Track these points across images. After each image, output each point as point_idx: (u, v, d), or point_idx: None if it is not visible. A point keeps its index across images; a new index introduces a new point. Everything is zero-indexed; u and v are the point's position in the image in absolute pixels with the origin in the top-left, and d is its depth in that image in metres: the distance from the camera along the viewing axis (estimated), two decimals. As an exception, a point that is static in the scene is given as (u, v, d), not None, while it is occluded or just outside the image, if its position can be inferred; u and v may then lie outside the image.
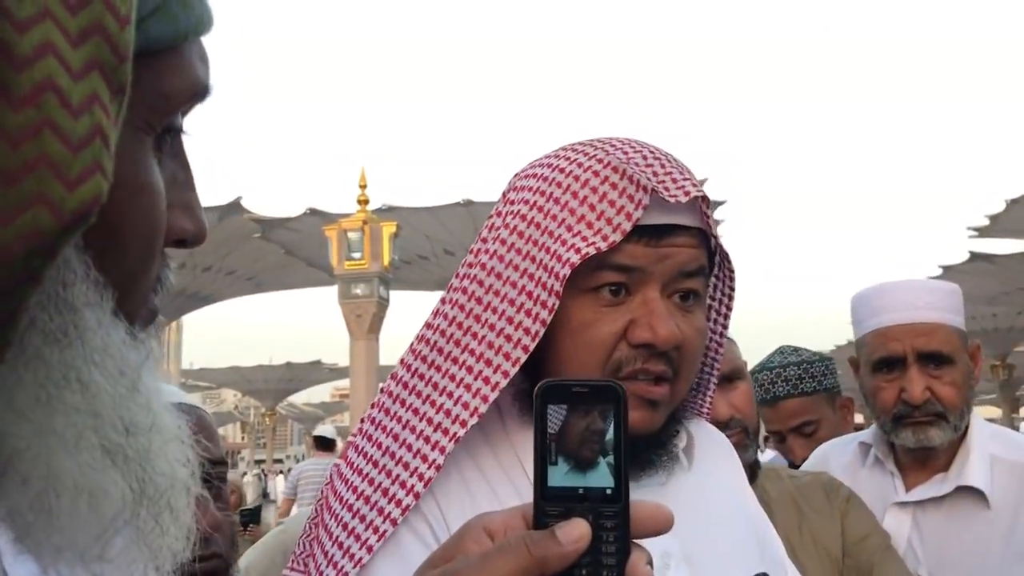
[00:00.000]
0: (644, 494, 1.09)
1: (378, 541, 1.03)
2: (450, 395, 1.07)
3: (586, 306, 1.06)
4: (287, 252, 42.14)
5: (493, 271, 1.09)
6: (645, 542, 1.05)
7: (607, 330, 1.05)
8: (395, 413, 1.10)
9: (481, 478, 1.09)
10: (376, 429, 1.10)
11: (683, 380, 1.10)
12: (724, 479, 1.25)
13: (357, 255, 19.04)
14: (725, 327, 1.25)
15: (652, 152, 1.10)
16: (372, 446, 1.10)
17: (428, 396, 1.08)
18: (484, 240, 1.13)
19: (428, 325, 1.13)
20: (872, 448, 2.16)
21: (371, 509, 1.05)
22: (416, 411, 1.09)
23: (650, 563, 0.64)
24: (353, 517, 1.06)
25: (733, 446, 1.80)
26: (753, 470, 1.87)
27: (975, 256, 35.30)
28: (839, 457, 2.26)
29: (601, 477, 0.64)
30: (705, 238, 1.11)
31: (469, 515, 1.06)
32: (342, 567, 1.04)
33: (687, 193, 1.06)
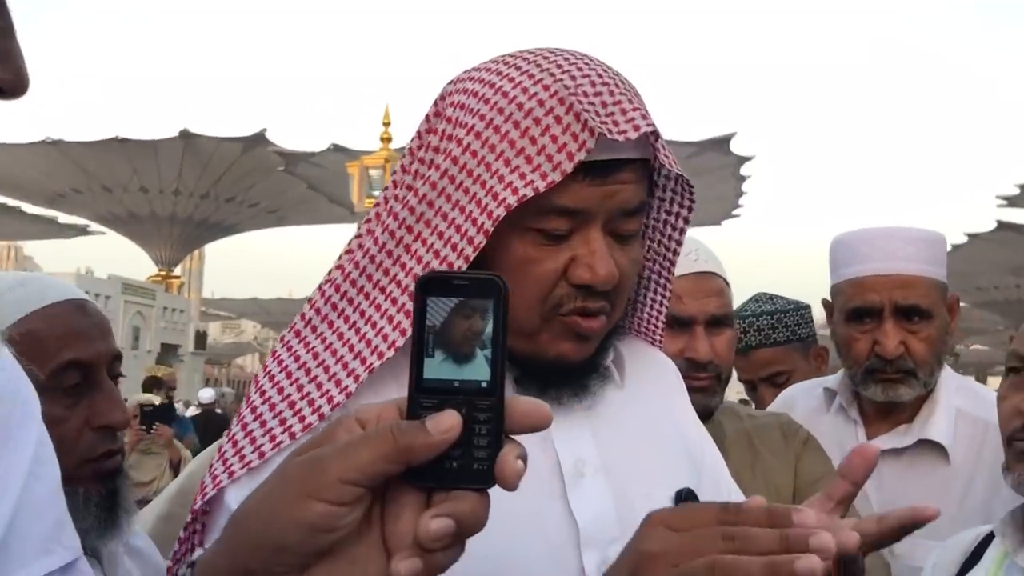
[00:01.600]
0: (575, 416, 1.09)
1: (273, 450, 1.01)
2: (373, 324, 1.04)
3: (527, 243, 1.03)
4: (310, 187, 42.08)
5: (426, 199, 1.05)
6: (564, 449, 1.05)
7: (547, 268, 1.03)
8: (320, 332, 1.07)
9: (398, 393, 1.05)
10: (299, 343, 1.08)
11: (616, 310, 1.08)
12: (658, 399, 1.23)
13: (378, 193, 18.96)
14: (679, 243, 1.22)
15: (600, 76, 1.04)
16: (291, 358, 1.07)
17: (353, 322, 1.05)
18: (421, 161, 1.08)
19: (360, 246, 1.09)
20: (837, 395, 2.12)
21: (274, 418, 1.03)
22: (340, 334, 1.06)
23: (523, 458, 0.63)
24: (255, 421, 1.04)
25: (702, 389, 1.78)
26: (712, 411, 1.84)
27: (1002, 225, 34.87)
28: (805, 401, 2.23)
29: (477, 370, 0.63)
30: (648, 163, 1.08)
31: None
32: (230, 466, 1.02)
33: (636, 128, 1.01)
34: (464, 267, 1.00)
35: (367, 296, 1.06)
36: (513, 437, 0.64)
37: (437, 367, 0.63)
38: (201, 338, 45.59)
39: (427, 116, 1.12)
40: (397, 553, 0.62)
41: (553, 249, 1.03)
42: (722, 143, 41.93)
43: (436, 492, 0.63)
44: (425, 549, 0.61)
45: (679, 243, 1.22)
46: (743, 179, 44.77)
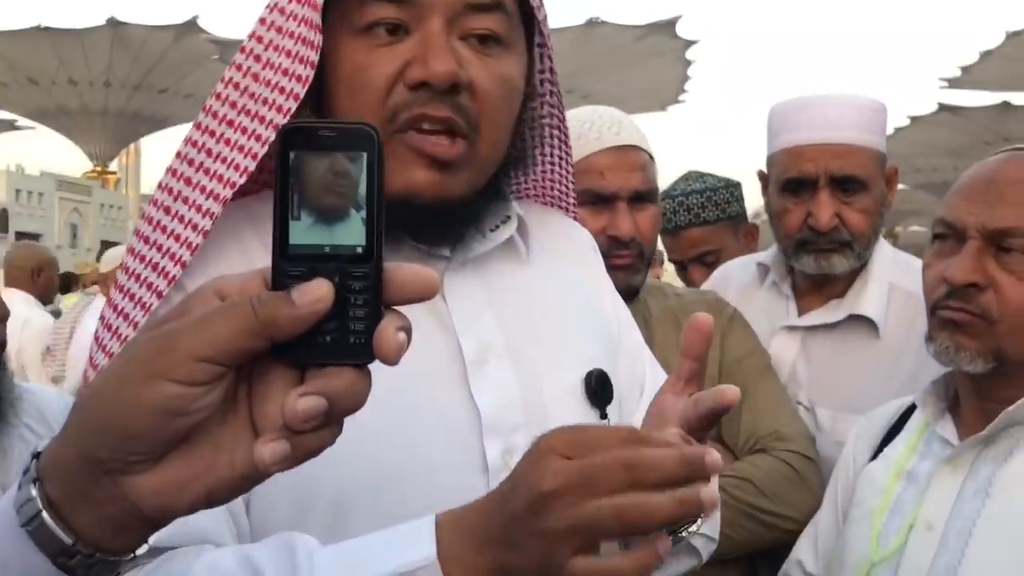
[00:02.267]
0: (471, 284, 1.01)
1: (143, 315, 0.95)
2: (223, 160, 0.96)
3: (359, 48, 0.94)
4: (246, 76, 40.53)
5: (270, 23, 0.97)
6: (464, 333, 0.96)
7: (380, 71, 0.94)
8: (174, 189, 0.99)
9: (262, 250, 0.98)
10: (157, 209, 1.00)
11: (485, 138, 0.98)
12: (570, 274, 1.15)
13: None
14: (556, 94, 1.13)
15: None
16: (147, 225, 0.99)
17: (202, 164, 0.98)
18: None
19: (213, 94, 1.00)
20: (770, 270, 2.07)
21: (139, 285, 0.97)
22: (189, 181, 0.98)
23: (405, 330, 0.56)
24: (123, 297, 0.98)
25: (625, 267, 1.73)
26: (636, 290, 1.79)
27: (943, 108, 35.26)
28: (739, 277, 2.18)
29: (351, 234, 0.56)
30: None
31: None
32: (104, 343, 0.98)
33: None
34: (310, 74, 0.92)
35: (214, 134, 0.97)
36: (396, 308, 0.58)
37: (305, 231, 0.56)
38: (141, 234, 44.60)
39: None
40: (264, 434, 0.56)
41: (386, 51, 0.94)
42: (667, 27, 41.41)
43: (309, 369, 0.57)
44: (293, 430, 0.55)
45: (556, 94, 1.14)
46: (688, 64, 44.40)
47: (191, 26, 40.41)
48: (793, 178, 1.89)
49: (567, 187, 1.22)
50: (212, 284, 0.58)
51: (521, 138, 1.06)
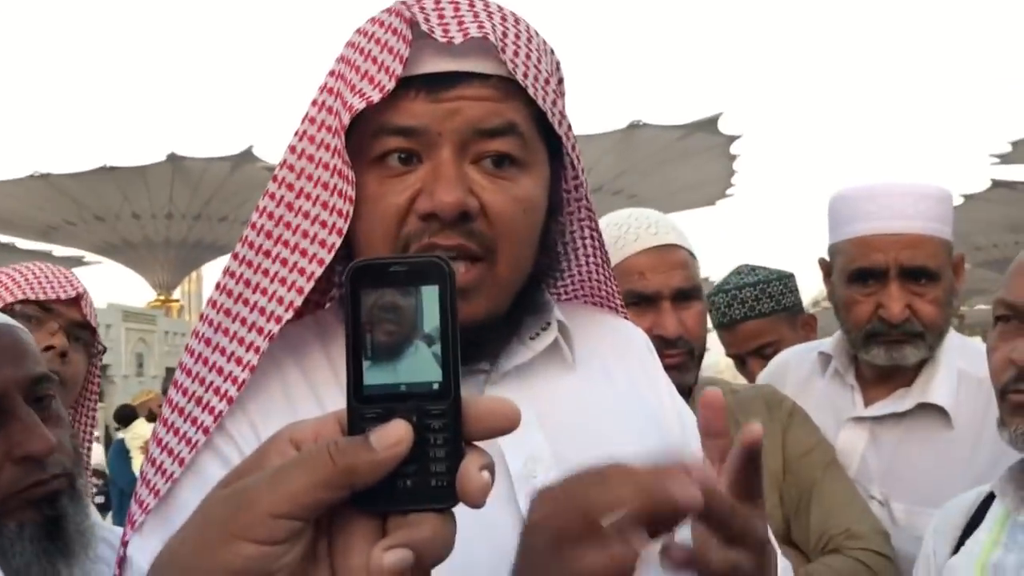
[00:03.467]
0: (502, 389, 0.98)
1: (189, 451, 0.93)
2: (264, 292, 0.96)
3: (373, 178, 0.94)
4: (301, 200, 41.61)
5: (304, 153, 0.98)
6: (510, 446, 0.94)
7: (392, 202, 0.93)
8: (216, 321, 0.98)
9: (304, 383, 0.97)
10: (198, 342, 0.99)
11: (504, 260, 0.96)
12: (620, 375, 1.11)
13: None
14: (587, 203, 1.12)
15: None
16: (190, 358, 0.99)
17: (243, 296, 0.97)
18: (304, 120, 1.02)
19: (251, 224, 1.00)
20: (832, 359, 2.02)
21: (184, 421, 0.95)
22: (230, 313, 0.97)
23: (489, 469, 0.54)
24: (167, 432, 0.96)
25: (675, 367, 1.71)
26: (690, 390, 1.76)
27: (997, 183, 34.85)
28: (798, 366, 2.13)
29: (426, 370, 0.54)
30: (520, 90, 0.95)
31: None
32: (144, 503, 0.94)
33: (465, 33, 0.92)
34: (350, 209, 0.92)
35: (255, 267, 0.97)
36: (476, 444, 0.55)
37: (379, 371, 0.54)
38: (205, 360, 45.32)
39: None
40: None
41: (398, 181, 0.94)
42: (709, 124, 41.85)
43: (391, 516, 0.54)
44: None
45: (584, 192, 1.11)
46: (733, 158, 44.68)
47: (247, 156, 41.87)
48: (863, 268, 1.86)
49: (611, 288, 1.20)
50: (287, 431, 0.56)
51: (549, 250, 1.04)
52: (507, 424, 0.55)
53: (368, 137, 0.94)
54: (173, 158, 41.62)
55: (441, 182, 0.91)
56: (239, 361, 0.94)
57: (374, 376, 0.54)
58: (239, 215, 45.54)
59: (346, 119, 0.92)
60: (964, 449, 1.82)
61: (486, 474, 0.54)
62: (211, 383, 0.95)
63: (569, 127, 1.04)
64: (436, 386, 0.54)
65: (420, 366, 0.54)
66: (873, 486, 1.88)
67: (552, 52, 1.03)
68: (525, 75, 0.94)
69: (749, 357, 2.75)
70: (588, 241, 1.16)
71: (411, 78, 0.92)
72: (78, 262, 52.27)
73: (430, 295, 0.55)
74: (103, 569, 1.36)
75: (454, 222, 0.92)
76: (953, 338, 1.95)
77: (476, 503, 0.54)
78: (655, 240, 1.83)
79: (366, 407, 0.54)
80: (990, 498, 1.42)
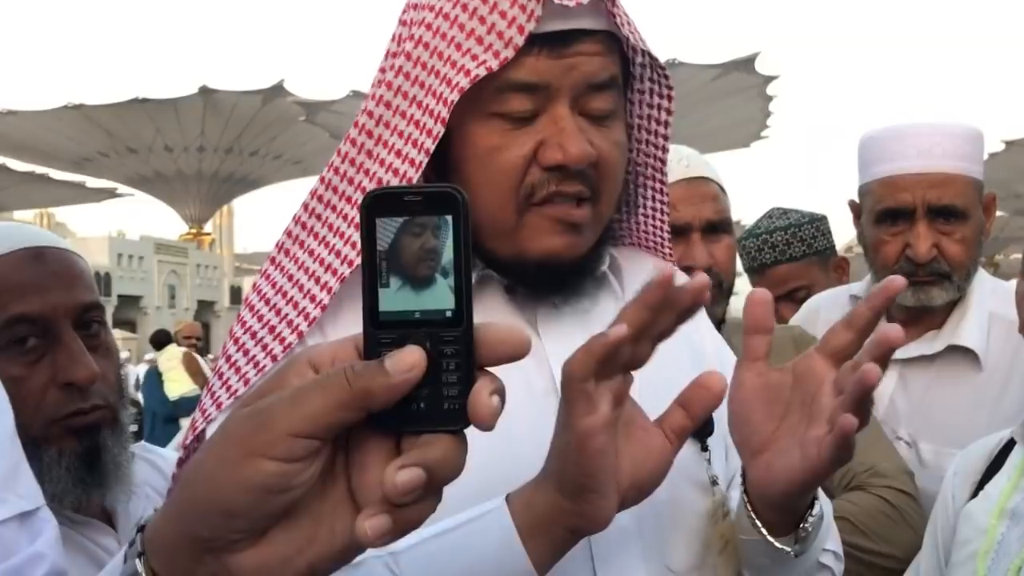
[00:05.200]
0: (568, 322, 1.04)
1: (257, 375, 0.98)
2: (341, 235, 1.01)
3: (492, 130, 0.99)
4: (332, 135, 42.08)
5: (383, 100, 1.01)
6: (558, 366, 0.96)
7: (516, 153, 0.98)
8: (293, 253, 1.05)
9: None
10: (275, 269, 1.05)
11: (605, 199, 1.03)
12: None
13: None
14: (666, 138, 1.16)
15: None
16: (268, 285, 1.04)
17: (323, 237, 1.03)
18: (382, 70, 1.05)
19: (329, 165, 1.05)
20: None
21: (256, 345, 1.01)
22: (311, 251, 1.03)
23: (499, 393, 0.56)
24: (238, 351, 1.02)
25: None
26: (719, 325, 1.76)
27: (1040, 129, 34.03)
28: (829, 310, 2.12)
29: (440, 298, 0.56)
30: (617, 42, 1.02)
31: None
32: (217, 398, 1.00)
33: None
34: (424, 161, 0.97)
35: (335, 209, 1.03)
36: (488, 369, 0.57)
37: (394, 297, 0.56)
38: (236, 293, 45.97)
39: (391, 39, 1.08)
40: (365, 508, 0.55)
41: (519, 133, 0.98)
42: (746, 63, 41.18)
43: (405, 437, 0.56)
44: (394, 504, 0.54)
45: (666, 138, 1.16)
46: (770, 99, 44.03)
47: (278, 90, 41.81)
48: (890, 208, 1.84)
49: (663, 237, 1.23)
50: (305, 354, 0.58)
51: (624, 187, 1.10)
52: (517, 351, 0.57)
53: (490, 92, 0.97)
54: (205, 91, 41.69)
55: (567, 135, 0.96)
56: (313, 298, 1.00)
57: (389, 303, 0.56)
58: (270, 149, 45.70)
59: (464, 83, 0.95)
60: (993, 391, 1.81)
61: (496, 398, 0.55)
62: (286, 315, 1.01)
63: (648, 62, 1.10)
64: (449, 313, 0.56)
65: (434, 294, 0.56)
66: (901, 427, 1.87)
67: None
68: (630, 30, 1.01)
69: (780, 302, 2.71)
70: (650, 183, 1.20)
71: (532, 36, 0.96)
72: (111, 194, 52.82)
73: (444, 224, 0.56)
74: (146, 493, 1.39)
75: (579, 172, 0.98)
76: (985, 280, 1.92)
77: (486, 425, 0.55)
78: (687, 173, 1.83)
79: (382, 332, 0.56)
80: (1011, 444, 1.41)
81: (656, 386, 1.04)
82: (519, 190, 0.98)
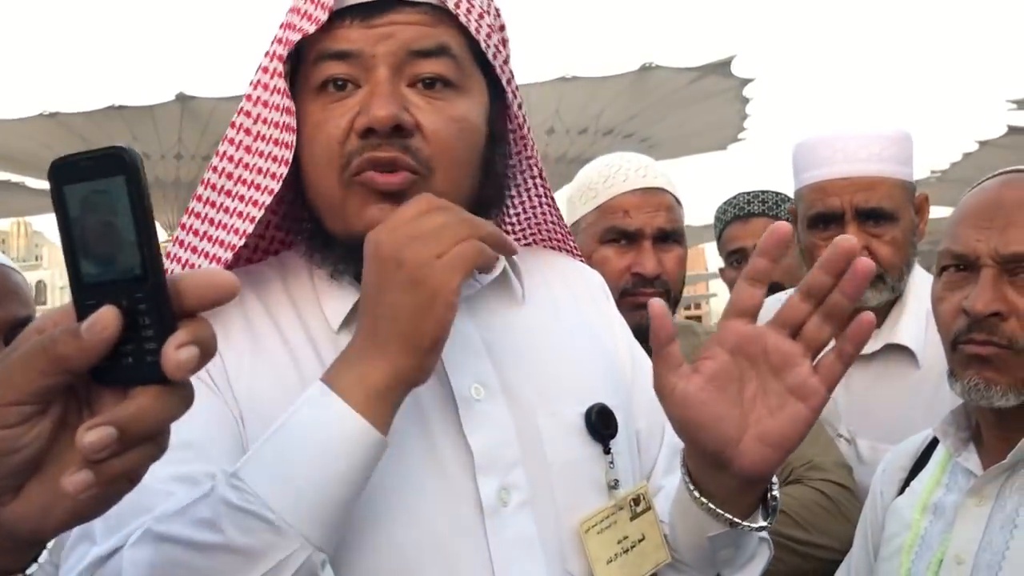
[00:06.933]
0: (458, 319, 0.94)
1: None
2: (225, 227, 1.03)
3: (317, 106, 1.01)
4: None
5: (258, 100, 1.05)
6: (457, 371, 0.99)
7: (335, 124, 0.99)
8: (187, 243, 1.06)
9: (265, 314, 1.04)
10: (168, 260, 1.06)
11: (441, 175, 0.99)
12: (571, 313, 1.16)
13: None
14: (525, 137, 1.15)
15: None
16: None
17: (205, 233, 1.05)
18: (258, 70, 1.08)
19: (211, 167, 1.08)
20: None
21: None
22: (204, 234, 1.05)
23: (199, 343, 0.57)
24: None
25: None
26: None
27: (1013, 130, 34.50)
28: (769, 313, 2.14)
29: (128, 258, 0.58)
30: (451, 16, 1.01)
31: (248, 355, 0.98)
32: None
33: None
34: (292, 139, 0.99)
35: (216, 206, 1.05)
36: (198, 318, 0.59)
37: (91, 262, 0.58)
38: (215, 300, 45.58)
39: None
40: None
41: (338, 106, 0.99)
42: (723, 67, 41.37)
43: (116, 391, 0.59)
44: (91, 461, 0.56)
45: (522, 114, 1.13)
46: (746, 102, 44.22)
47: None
48: (820, 213, 1.89)
49: (564, 232, 1.23)
50: (36, 322, 0.61)
51: (494, 179, 1.07)
52: (221, 294, 0.58)
53: (309, 66, 1.00)
54: (182, 97, 41.42)
55: (375, 98, 0.96)
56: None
57: (88, 267, 0.58)
58: (248, 156, 45.45)
59: (284, 52, 1.00)
60: (929, 388, 1.84)
61: (187, 350, 0.56)
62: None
63: (506, 60, 1.08)
64: (137, 271, 0.57)
65: (122, 254, 0.58)
66: (841, 425, 1.92)
67: (498, 11, 1.08)
68: (457, 5, 1.00)
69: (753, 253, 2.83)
70: (537, 181, 1.20)
71: (344, 9, 0.98)
72: (88, 202, 52.34)
73: (118, 185, 0.57)
74: None
75: (390, 135, 0.96)
76: (923, 280, 1.96)
77: (176, 378, 0.57)
78: (643, 182, 1.87)
79: (87, 296, 0.58)
80: (935, 441, 1.44)
81: (547, 369, 1.06)
82: (339, 162, 0.98)
